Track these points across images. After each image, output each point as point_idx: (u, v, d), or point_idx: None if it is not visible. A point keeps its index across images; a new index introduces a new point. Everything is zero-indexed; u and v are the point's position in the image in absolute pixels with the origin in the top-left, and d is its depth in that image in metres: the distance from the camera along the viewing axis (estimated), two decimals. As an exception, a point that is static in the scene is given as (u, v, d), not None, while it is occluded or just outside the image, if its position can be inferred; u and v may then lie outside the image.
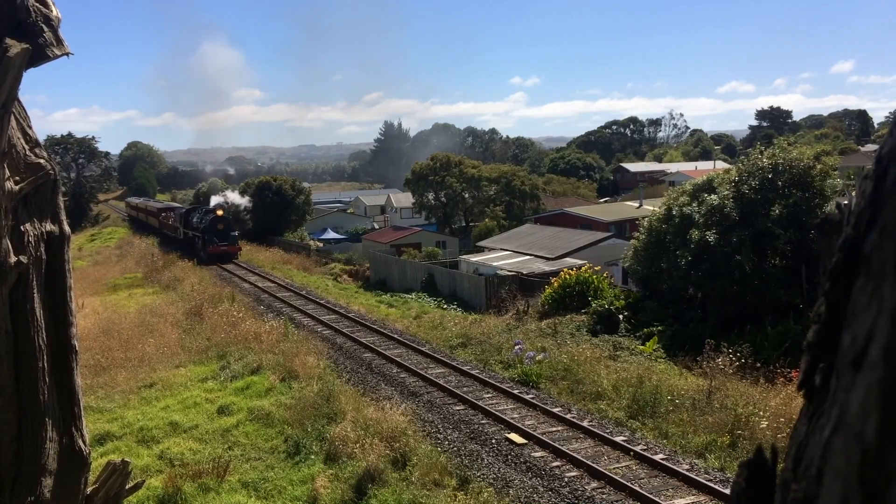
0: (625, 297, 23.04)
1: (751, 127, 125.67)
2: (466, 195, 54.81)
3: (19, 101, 2.39)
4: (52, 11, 2.41)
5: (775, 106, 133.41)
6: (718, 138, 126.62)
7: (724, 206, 20.33)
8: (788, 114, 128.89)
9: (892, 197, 0.64)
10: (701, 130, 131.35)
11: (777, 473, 0.84)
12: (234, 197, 56.94)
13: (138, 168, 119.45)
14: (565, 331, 21.64)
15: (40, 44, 2.33)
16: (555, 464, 12.97)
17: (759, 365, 16.11)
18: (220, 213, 44.20)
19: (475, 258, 36.10)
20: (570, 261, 30.48)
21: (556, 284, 24.41)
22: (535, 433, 14.15)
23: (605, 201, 69.60)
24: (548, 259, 32.95)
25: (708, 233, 20.04)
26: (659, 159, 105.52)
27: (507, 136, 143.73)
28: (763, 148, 22.57)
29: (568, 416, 15.09)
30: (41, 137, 2.62)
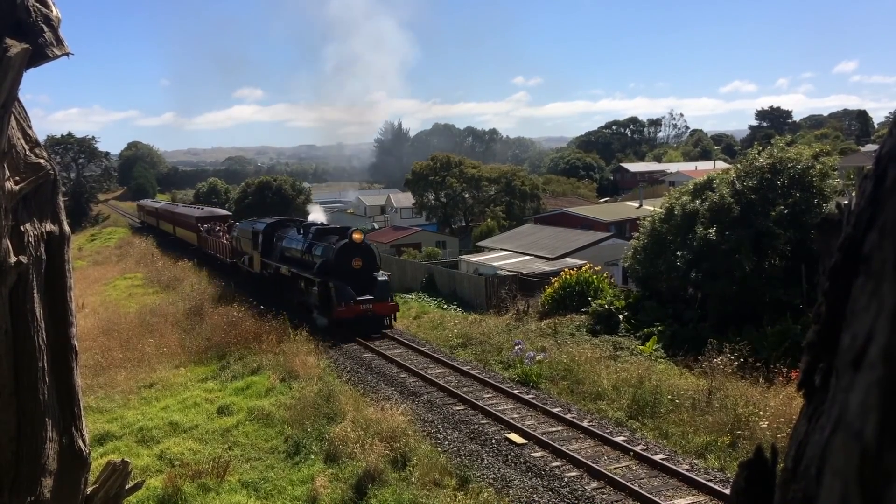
0: (625, 297, 23.03)
1: (751, 127, 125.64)
2: (466, 195, 54.88)
3: (19, 101, 2.39)
4: (52, 11, 2.41)
5: (776, 106, 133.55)
6: (718, 138, 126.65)
7: (724, 203, 20.33)
8: (788, 114, 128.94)
9: (892, 197, 0.64)
10: (701, 130, 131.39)
11: (777, 473, 0.85)
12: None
13: (138, 168, 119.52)
14: (565, 331, 21.63)
15: (40, 44, 2.33)
16: (555, 464, 12.96)
17: (758, 365, 16.10)
18: (357, 236, 24.47)
19: (475, 258, 36.11)
20: (570, 261, 30.47)
21: (556, 284, 24.41)
22: (534, 433, 14.14)
23: (605, 201, 69.63)
24: (548, 259, 32.96)
25: (710, 231, 20.04)
26: (659, 159, 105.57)
27: (508, 136, 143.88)
28: (761, 148, 22.58)
29: (568, 417, 15.09)
30: (41, 137, 2.62)
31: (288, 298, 26.84)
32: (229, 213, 46.11)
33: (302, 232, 27.23)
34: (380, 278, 23.81)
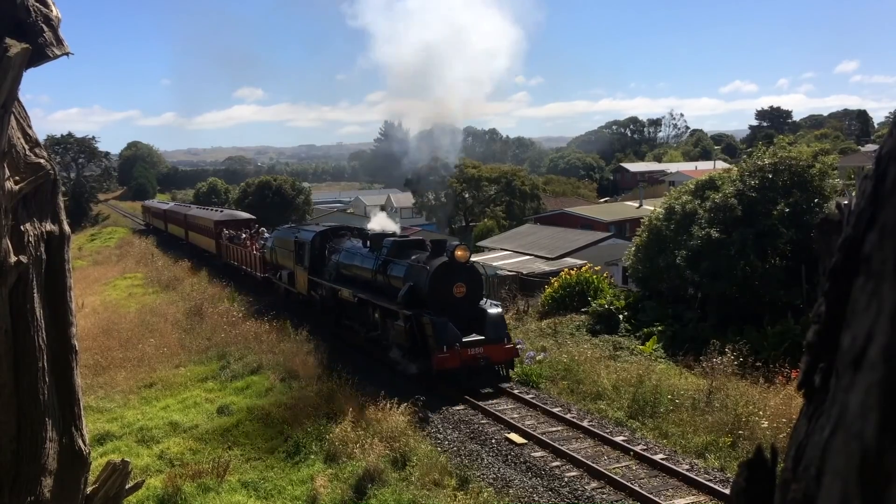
0: (625, 297, 23.04)
1: (751, 127, 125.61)
2: (466, 195, 54.85)
3: (19, 101, 2.39)
4: (52, 11, 2.41)
5: (776, 106, 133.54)
6: (718, 138, 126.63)
7: (728, 204, 20.33)
8: (788, 114, 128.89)
9: (892, 197, 0.64)
10: (701, 130, 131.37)
11: (777, 473, 0.85)
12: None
13: (138, 168, 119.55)
14: (565, 331, 21.64)
15: (40, 43, 2.33)
16: (555, 464, 12.96)
17: (758, 365, 16.11)
18: (461, 252, 17.79)
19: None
20: (570, 261, 30.47)
21: (556, 284, 24.41)
22: (534, 433, 14.14)
23: (605, 201, 69.63)
24: (548, 259, 32.95)
25: (711, 230, 20.04)
26: (659, 159, 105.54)
27: (508, 136, 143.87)
28: (765, 147, 22.60)
29: (568, 416, 15.08)
30: (41, 137, 2.62)
31: (329, 323, 22.40)
32: (253, 217, 38.81)
33: (370, 245, 20.66)
34: (490, 311, 17.46)
